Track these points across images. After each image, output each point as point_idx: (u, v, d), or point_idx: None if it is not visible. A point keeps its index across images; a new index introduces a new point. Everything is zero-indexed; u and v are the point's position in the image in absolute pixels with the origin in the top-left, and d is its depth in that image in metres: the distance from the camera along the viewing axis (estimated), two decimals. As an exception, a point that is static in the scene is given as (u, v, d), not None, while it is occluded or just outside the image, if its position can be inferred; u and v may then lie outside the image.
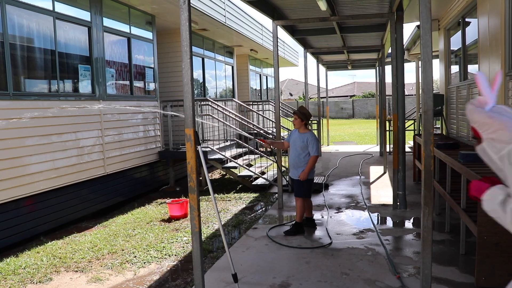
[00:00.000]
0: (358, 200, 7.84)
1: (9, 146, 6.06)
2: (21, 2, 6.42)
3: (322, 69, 18.15)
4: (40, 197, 6.62)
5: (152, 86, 10.09)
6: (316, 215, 6.87)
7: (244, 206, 8.09)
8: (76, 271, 5.12)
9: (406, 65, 12.75)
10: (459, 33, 8.14)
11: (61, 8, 7.17)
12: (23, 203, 6.32)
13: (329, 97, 26.96)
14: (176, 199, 7.73)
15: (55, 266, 5.28)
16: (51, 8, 6.97)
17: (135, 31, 9.37)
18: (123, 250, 5.75)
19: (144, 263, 5.28)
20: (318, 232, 5.97)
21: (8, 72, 6.14)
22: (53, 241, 6.27)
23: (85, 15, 7.77)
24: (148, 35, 9.93)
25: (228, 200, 8.60)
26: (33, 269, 5.23)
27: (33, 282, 4.87)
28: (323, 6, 6.50)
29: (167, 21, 10.32)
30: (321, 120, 15.45)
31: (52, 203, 6.86)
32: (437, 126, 11.68)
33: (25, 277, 5.01)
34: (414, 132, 12.91)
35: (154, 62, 10.10)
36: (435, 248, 5.02)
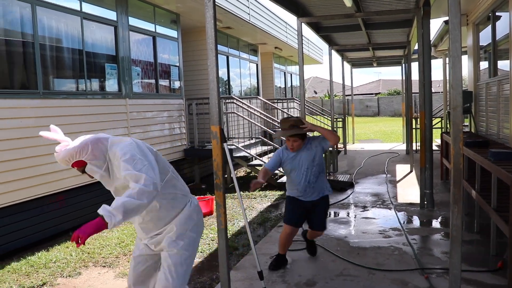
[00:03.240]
0: (384, 198, 7.75)
1: (40, 143, 6.18)
2: (50, 3, 6.55)
3: (347, 66, 18.00)
4: (69, 193, 6.74)
5: (177, 84, 10.16)
6: (342, 214, 6.82)
7: (269, 203, 8.09)
8: (104, 266, 5.20)
9: (433, 61, 12.55)
10: (489, 27, 7.96)
11: (88, 8, 7.29)
12: (53, 199, 6.45)
13: (354, 94, 26.73)
14: (202, 196, 7.77)
15: (84, 261, 5.37)
16: (78, 9, 7.09)
17: (160, 29, 9.46)
18: (149, 246, 5.80)
19: (170, 259, 5.31)
20: (344, 231, 5.92)
21: (38, 72, 6.27)
22: (81, 237, 6.37)
23: (111, 15, 7.87)
24: (173, 33, 10.00)
25: (254, 198, 8.61)
26: (63, 263, 5.33)
27: (63, 276, 4.96)
28: (348, 2, 6.43)
29: (191, 19, 10.38)
30: (346, 118, 15.33)
31: (81, 200, 6.98)
32: (466, 124, 11.47)
33: (55, 270, 5.11)
34: (441, 130, 12.71)
35: (179, 60, 10.17)
36: (464, 249, 4.93)
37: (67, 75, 7.14)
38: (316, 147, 4.14)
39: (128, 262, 5.27)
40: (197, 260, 5.29)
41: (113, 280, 4.77)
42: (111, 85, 7.94)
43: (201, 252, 5.55)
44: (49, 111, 6.38)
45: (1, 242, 5.71)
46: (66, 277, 4.94)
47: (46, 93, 6.39)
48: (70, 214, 6.75)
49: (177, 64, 10.13)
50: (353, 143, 17.51)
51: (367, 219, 6.50)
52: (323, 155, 4.24)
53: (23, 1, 6.13)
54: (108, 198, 7.42)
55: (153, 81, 9.29)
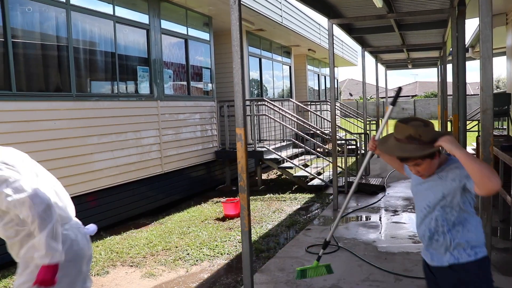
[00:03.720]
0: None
1: (73, 145, 6.34)
2: (84, 8, 6.70)
3: (381, 68, 17.74)
4: (101, 193, 6.87)
5: (209, 86, 10.23)
6: (372, 218, 6.72)
7: (299, 206, 8.04)
8: (131, 266, 5.28)
9: (470, 63, 12.23)
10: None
11: (121, 12, 7.42)
12: (86, 198, 6.59)
13: (389, 97, 26.31)
14: (231, 198, 7.79)
15: (112, 260, 5.47)
16: (111, 13, 7.22)
17: (192, 32, 9.54)
18: (177, 247, 5.86)
19: (197, 260, 5.35)
20: (372, 235, 5.82)
21: (72, 75, 6.42)
22: (112, 236, 6.49)
23: (143, 18, 7.99)
24: (205, 36, 10.08)
25: (283, 200, 8.57)
26: (92, 261, 5.42)
27: (92, 274, 5.05)
28: (378, 3, 6.33)
29: (223, 22, 10.43)
30: (380, 120, 15.09)
31: (112, 200, 7.10)
32: (504, 127, 11.11)
33: (84, 270, 5.21)
34: (478, 134, 12.36)
35: (211, 63, 10.23)
36: (498, 257, 4.77)
37: (99, 77, 7.29)
38: (453, 181, 2.25)
39: (156, 262, 5.33)
40: (224, 262, 5.30)
41: (139, 280, 4.83)
42: (143, 87, 8.06)
43: (227, 253, 5.56)
44: (82, 113, 6.53)
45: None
46: (94, 275, 5.03)
47: (79, 96, 6.54)
48: (101, 214, 6.88)
49: (209, 67, 10.20)
50: (387, 146, 17.18)
51: (397, 223, 6.37)
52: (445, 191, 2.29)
53: (58, 7, 6.29)
54: (139, 199, 7.49)
55: (185, 83, 9.38)
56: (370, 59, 16.11)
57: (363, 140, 11.01)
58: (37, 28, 6.14)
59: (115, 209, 7.17)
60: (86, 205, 6.60)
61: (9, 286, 4.89)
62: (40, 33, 6.18)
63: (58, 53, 6.39)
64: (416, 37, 11.46)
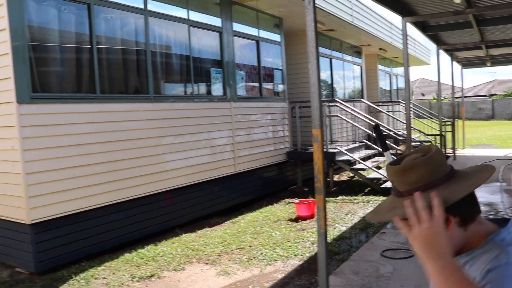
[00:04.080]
0: (498, 209, 7.21)
1: (150, 144, 6.59)
2: (161, 13, 6.96)
3: (456, 67, 17.03)
4: (176, 192, 7.08)
5: (280, 87, 10.28)
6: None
7: (372, 209, 7.87)
8: (206, 263, 5.40)
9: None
10: None
11: (194, 16, 7.62)
12: (162, 197, 6.82)
13: (465, 96, 25.20)
14: (304, 199, 7.78)
15: (188, 257, 5.62)
16: (186, 17, 7.44)
17: (263, 34, 9.62)
18: (250, 246, 5.93)
19: (270, 260, 5.39)
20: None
21: (149, 77, 6.68)
22: (187, 234, 6.68)
23: (216, 21, 8.16)
24: (276, 37, 10.13)
25: (356, 203, 8.44)
26: (169, 257, 5.63)
27: (169, 270, 5.24)
28: (458, -1, 6.09)
29: (295, 23, 10.44)
30: (455, 121, 14.50)
31: (187, 199, 7.30)
32: None
33: (162, 264, 5.41)
34: None
35: (282, 64, 10.27)
36: None
37: (175, 80, 7.54)
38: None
39: (230, 260, 5.42)
40: (297, 263, 5.30)
41: (214, 277, 4.94)
42: (216, 89, 8.23)
43: (301, 255, 5.55)
44: (159, 114, 6.78)
45: (116, 234, 6.14)
46: (171, 271, 5.21)
47: (156, 97, 6.79)
48: (177, 211, 7.09)
49: (281, 68, 10.24)
50: (463, 148, 16.48)
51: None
52: None
53: (137, 13, 6.57)
54: (212, 198, 7.68)
55: (256, 84, 9.48)
56: (444, 57, 15.48)
57: (438, 142, 10.61)
58: (118, 34, 6.45)
59: (189, 207, 7.36)
60: (162, 202, 6.84)
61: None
62: (121, 39, 6.49)
63: (137, 57, 6.67)
64: (496, 32, 10.89)
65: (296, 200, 7.89)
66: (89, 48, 5.84)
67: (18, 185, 5.20)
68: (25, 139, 5.13)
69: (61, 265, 5.47)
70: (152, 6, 6.77)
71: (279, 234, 6.42)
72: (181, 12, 7.39)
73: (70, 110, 5.61)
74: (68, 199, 5.50)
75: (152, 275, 5.09)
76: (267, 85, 9.93)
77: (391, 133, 11.47)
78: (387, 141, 8.76)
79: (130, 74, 6.70)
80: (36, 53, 5.37)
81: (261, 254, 5.62)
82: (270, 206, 8.48)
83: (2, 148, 5.40)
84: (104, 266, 5.45)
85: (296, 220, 7.25)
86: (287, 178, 10.43)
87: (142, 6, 6.60)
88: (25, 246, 5.32)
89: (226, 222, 7.40)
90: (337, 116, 10.54)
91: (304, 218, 7.24)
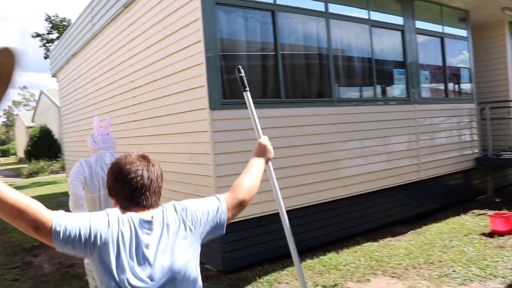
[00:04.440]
0: None
1: (333, 149, 6.51)
2: (342, 15, 6.83)
3: None
4: (355, 199, 6.88)
5: (467, 87, 9.41)
6: None
7: None
8: (393, 277, 5.08)
9: None
10: None
11: (375, 16, 7.35)
12: (341, 203, 6.67)
13: None
14: (498, 211, 6.94)
15: (372, 268, 5.36)
16: (367, 17, 7.20)
17: (448, 30, 8.89)
18: (440, 261, 5.44)
19: (465, 280, 4.85)
20: None
21: (332, 81, 6.60)
22: (368, 243, 6.42)
23: (398, 20, 7.76)
24: (462, 32, 9.29)
25: None
26: (352, 267, 5.43)
27: (353, 280, 5.05)
28: None
29: (481, 14, 9.47)
30: None
31: (367, 206, 7.04)
32: None
33: (345, 273, 5.25)
34: None
35: (470, 61, 9.38)
36: None
37: (357, 82, 7.35)
38: None
39: (418, 276, 5.03)
40: (498, 286, 4.67)
41: (404, 293, 4.61)
42: (399, 91, 7.83)
43: (502, 277, 4.88)
44: (341, 118, 6.65)
45: (298, 239, 6.14)
46: (355, 281, 5.01)
47: (339, 101, 6.69)
48: (357, 219, 6.88)
49: (468, 66, 9.36)
50: None
51: None
52: None
53: (319, 16, 6.53)
54: (394, 206, 7.33)
55: (441, 85, 8.80)
56: None
57: None
58: (300, 38, 6.50)
59: (370, 215, 7.09)
60: (342, 209, 6.69)
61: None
62: (303, 43, 6.52)
63: (319, 61, 6.65)
64: None
65: (489, 212, 7.08)
66: (273, 54, 5.97)
67: (209, 187, 5.51)
68: (216, 143, 5.42)
69: (245, 266, 5.65)
70: (333, 9, 6.68)
71: (473, 250, 5.79)
72: (362, 13, 7.18)
73: (257, 115, 5.77)
74: (253, 202, 5.65)
75: (335, 285, 4.95)
76: (453, 85, 9.16)
77: None
78: None
79: (312, 78, 6.70)
80: (226, 62, 5.65)
81: (454, 271, 5.09)
82: (457, 217, 7.76)
83: (195, 152, 5.79)
84: (287, 271, 5.48)
85: (490, 235, 6.47)
86: (474, 186, 9.47)
87: (323, 9, 6.56)
88: (215, 245, 5.61)
89: (410, 232, 6.95)
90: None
91: (500, 234, 6.42)
